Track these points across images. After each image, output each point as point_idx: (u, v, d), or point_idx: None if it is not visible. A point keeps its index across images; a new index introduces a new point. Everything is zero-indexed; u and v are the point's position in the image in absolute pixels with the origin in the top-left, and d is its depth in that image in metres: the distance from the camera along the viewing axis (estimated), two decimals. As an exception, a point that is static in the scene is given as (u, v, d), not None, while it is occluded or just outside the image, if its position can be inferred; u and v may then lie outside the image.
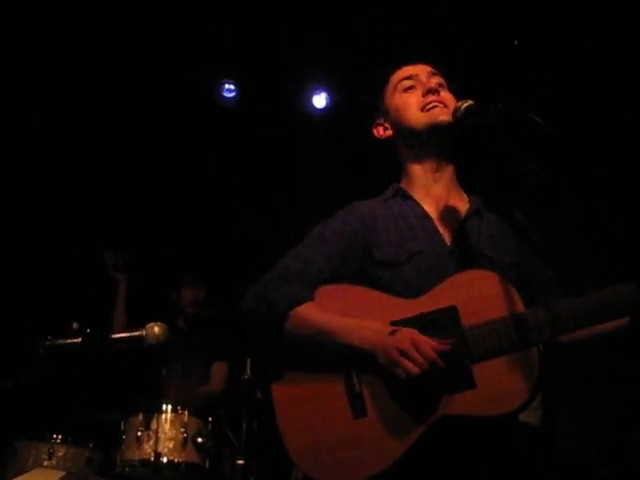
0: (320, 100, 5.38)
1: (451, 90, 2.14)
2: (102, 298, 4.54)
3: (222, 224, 5.24)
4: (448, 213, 2.03)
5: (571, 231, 4.95)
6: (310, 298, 1.90)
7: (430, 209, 2.04)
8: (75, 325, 2.12)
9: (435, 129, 2.04)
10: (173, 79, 4.98)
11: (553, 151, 1.86)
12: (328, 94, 5.37)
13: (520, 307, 1.79)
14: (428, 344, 1.71)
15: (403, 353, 1.71)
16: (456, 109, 1.99)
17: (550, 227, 4.76)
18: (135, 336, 2.15)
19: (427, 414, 1.73)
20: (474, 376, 1.73)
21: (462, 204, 2.08)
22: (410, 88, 2.11)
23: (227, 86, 5.28)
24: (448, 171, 2.10)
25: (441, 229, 2.00)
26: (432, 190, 2.07)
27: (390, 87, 2.16)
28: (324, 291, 1.92)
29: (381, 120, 2.17)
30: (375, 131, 2.19)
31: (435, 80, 2.11)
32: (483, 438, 1.79)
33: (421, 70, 2.14)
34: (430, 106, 2.05)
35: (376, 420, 1.78)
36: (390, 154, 2.17)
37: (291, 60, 5.00)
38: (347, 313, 1.87)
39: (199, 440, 3.74)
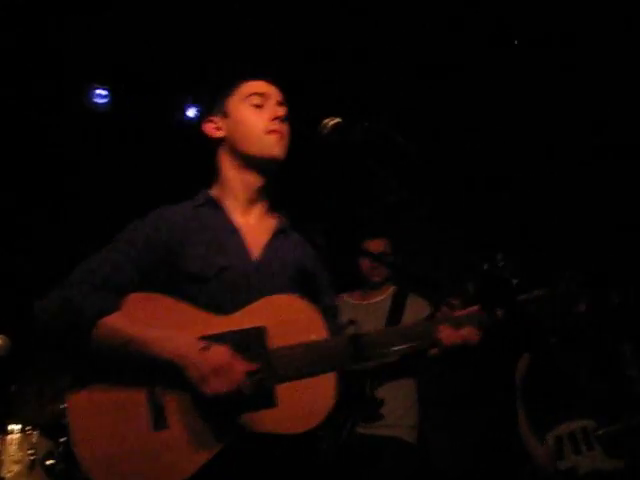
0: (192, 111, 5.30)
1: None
2: None
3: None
4: (257, 228, 2.04)
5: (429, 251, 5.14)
6: (119, 306, 1.83)
7: (240, 222, 2.02)
8: None
9: (268, 159, 2.01)
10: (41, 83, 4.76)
11: (415, 171, 1.88)
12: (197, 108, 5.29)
13: (324, 333, 1.87)
14: (238, 364, 1.74)
15: (214, 372, 1.72)
16: (323, 126, 2.00)
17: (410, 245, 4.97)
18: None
19: (228, 430, 1.77)
20: (276, 396, 1.80)
21: (271, 221, 2.08)
22: (259, 106, 2.04)
23: (99, 91, 5.09)
24: (264, 189, 2.07)
25: (249, 244, 1.99)
26: (244, 204, 2.05)
27: (238, 95, 2.07)
28: (133, 299, 1.86)
29: (217, 119, 2.08)
30: (206, 127, 2.09)
31: (283, 110, 2.05)
32: (283, 454, 1.84)
33: (273, 93, 2.08)
34: (275, 135, 2.01)
35: (176, 433, 1.78)
36: (210, 154, 2.09)
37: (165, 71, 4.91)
38: (156, 323, 1.82)
39: (48, 462, 3.53)
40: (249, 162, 2.03)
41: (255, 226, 2.03)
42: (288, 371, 1.81)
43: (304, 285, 2.00)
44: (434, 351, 1.96)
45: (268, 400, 1.78)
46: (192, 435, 1.77)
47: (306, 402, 1.80)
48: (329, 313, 2.01)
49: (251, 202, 2.06)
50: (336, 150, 1.97)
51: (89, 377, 1.83)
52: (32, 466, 3.48)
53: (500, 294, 2.11)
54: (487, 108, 4.97)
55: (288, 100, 2.09)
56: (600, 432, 3.58)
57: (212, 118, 2.08)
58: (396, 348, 1.92)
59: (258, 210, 2.07)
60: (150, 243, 1.93)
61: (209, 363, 1.72)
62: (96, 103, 5.06)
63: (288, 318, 1.86)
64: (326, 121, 1.99)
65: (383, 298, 3.97)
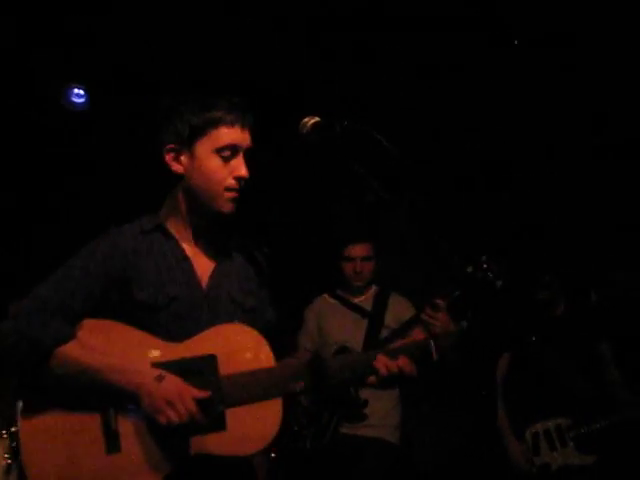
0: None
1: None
2: None
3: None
4: (204, 257, 2.07)
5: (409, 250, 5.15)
6: (74, 335, 1.88)
7: (189, 249, 2.05)
8: None
9: (217, 214, 2.02)
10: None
11: (398, 171, 1.86)
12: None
13: (271, 362, 1.96)
14: (190, 394, 1.83)
15: (168, 402, 1.80)
16: (302, 125, 1.98)
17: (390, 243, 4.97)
18: None
19: (180, 452, 1.86)
20: (226, 420, 1.89)
21: (217, 246, 2.11)
22: (228, 158, 1.98)
23: (76, 91, 5.03)
24: (213, 222, 2.08)
25: (198, 272, 2.04)
26: (193, 234, 2.07)
27: (210, 141, 1.98)
28: (86, 326, 1.91)
29: (181, 154, 2.01)
30: (167, 156, 2.02)
31: (245, 170, 2.00)
32: (232, 474, 1.96)
33: (244, 141, 2.01)
34: (231, 194, 1.99)
35: (130, 456, 1.86)
36: (166, 180, 2.06)
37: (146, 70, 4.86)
38: (110, 350, 1.89)
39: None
40: (200, 207, 2.03)
41: (202, 254, 2.07)
42: (237, 397, 1.90)
43: (248, 309, 2.09)
44: (372, 379, 2.05)
45: (218, 424, 1.88)
46: (144, 458, 1.85)
47: (254, 426, 1.90)
48: (270, 328, 2.10)
49: (199, 234, 2.07)
50: (316, 149, 1.95)
51: (42, 401, 1.87)
52: (8, 471, 3.41)
53: (483, 296, 2.15)
54: (484, 108, 4.95)
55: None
56: (573, 432, 3.75)
57: (175, 149, 2.01)
58: (338, 377, 2.01)
59: (205, 239, 2.08)
60: (102, 271, 1.95)
61: (163, 393, 1.80)
62: (73, 102, 5.00)
63: (237, 347, 1.95)
64: (305, 120, 1.98)
65: (365, 298, 3.97)
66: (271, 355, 1.97)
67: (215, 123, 1.97)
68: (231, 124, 1.98)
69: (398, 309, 3.81)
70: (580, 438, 3.73)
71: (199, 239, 2.07)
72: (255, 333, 1.98)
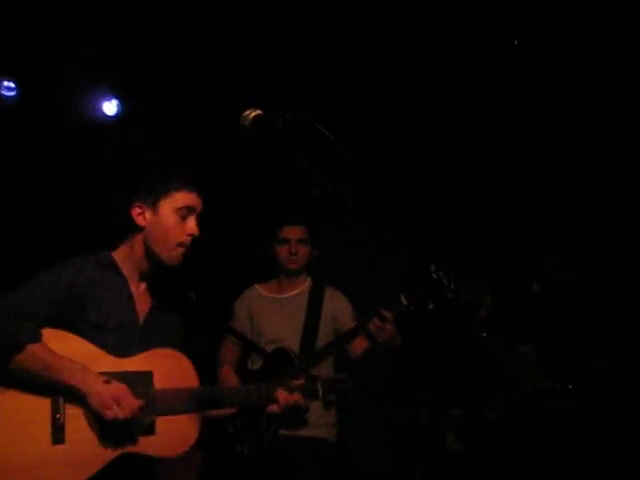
0: (111, 107, 5.12)
1: None
2: None
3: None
4: (143, 299, 2.51)
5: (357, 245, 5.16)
6: (41, 338, 2.20)
7: (134, 289, 2.48)
8: None
9: (166, 264, 2.46)
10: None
11: (341, 163, 1.84)
12: (120, 101, 5.12)
13: (195, 382, 2.46)
14: (133, 398, 2.21)
15: (115, 400, 2.17)
16: (243, 118, 1.94)
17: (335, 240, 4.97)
18: None
19: (114, 449, 2.21)
20: (155, 426, 2.31)
21: (149, 298, 2.54)
22: (184, 217, 2.44)
23: (6, 84, 4.86)
24: (156, 271, 2.52)
25: (138, 309, 2.47)
26: (139, 276, 2.51)
27: (172, 201, 2.44)
28: (47, 332, 2.23)
29: (145, 209, 2.45)
30: (133, 211, 2.45)
31: (196, 229, 2.45)
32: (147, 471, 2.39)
33: (199, 205, 2.48)
34: (182, 249, 2.45)
35: (71, 448, 2.16)
36: (127, 227, 2.46)
37: (80, 64, 4.73)
38: (65, 355, 2.21)
39: None
40: (153, 257, 2.46)
41: (142, 296, 2.51)
42: (165, 408, 2.32)
43: (169, 340, 2.51)
44: (273, 407, 2.58)
45: (150, 429, 2.28)
46: (84, 451, 2.17)
47: (177, 434, 2.35)
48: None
49: (140, 277, 2.51)
50: (258, 142, 1.91)
51: None
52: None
53: (435, 304, 2.37)
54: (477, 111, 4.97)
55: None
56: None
57: (141, 206, 2.45)
58: (242, 403, 2.58)
59: (146, 284, 2.53)
60: (67, 290, 2.31)
61: (111, 393, 2.18)
62: (3, 96, 4.84)
63: (170, 367, 2.40)
64: (247, 113, 1.94)
65: (300, 292, 3.76)
66: (195, 376, 2.46)
67: (177, 187, 2.44)
68: (189, 191, 2.45)
69: (334, 303, 3.69)
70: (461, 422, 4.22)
71: (142, 281, 2.51)
72: (184, 358, 2.46)
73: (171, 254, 2.43)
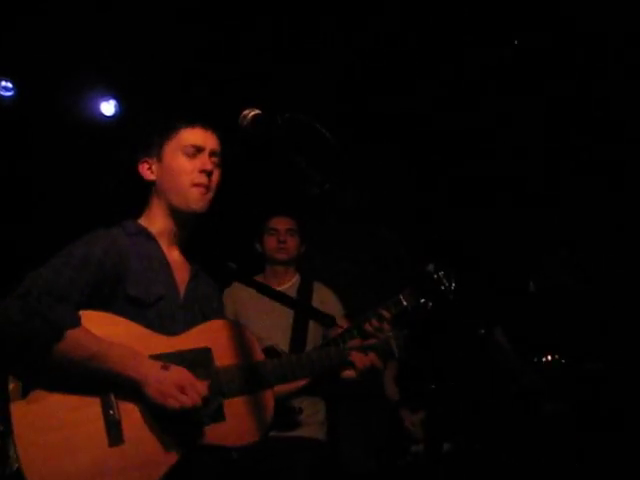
0: (109, 107, 5.11)
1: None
2: None
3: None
4: (180, 267, 2.20)
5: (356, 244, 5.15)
6: (80, 321, 1.86)
7: (169, 257, 2.17)
8: None
9: (187, 212, 2.16)
10: None
11: (340, 163, 1.83)
12: (118, 102, 5.11)
13: (260, 355, 2.14)
14: (198, 382, 1.89)
15: (179, 388, 1.84)
16: (242, 117, 1.94)
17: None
18: None
19: (181, 444, 1.88)
20: (225, 411, 1.96)
21: (187, 262, 2.24)
22: (192, 156, 2.14)
23: (4, 84, 4.86)
24: (187, 231, 2.23)
25: (177, 279, 2.16)
26: (169, 242, 2.19)
27: (175, 142, 2.17)
28: (87, 315, 1.88)
29: (151, 161, 2.19)
30: (140, 168, 2.20)
31: (213, 160, 2.17)
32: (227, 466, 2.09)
33: (209, 142, 2.17)
34: (198, 189, 2.13)
35: (133, 448, 1.82)
36: (143, 190, 2.20)
37: (78, 65, 4.72)
38: (111, 340, 1.88)
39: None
40: (172, 210, 2.16)
41: (179, 264, 2.19)
42: (232, 388, 1.99)
43: (212, 313, 2.22)
44: (349, 372, 2.26)
45: (218, 415, 1.93)
46: (148, 449, 1.83)
47: (249, 418, 1.99)
48: None
49: (173, 242, 2.20)
50: (257, 142, 1.90)
51: (36, 387, 1.80)
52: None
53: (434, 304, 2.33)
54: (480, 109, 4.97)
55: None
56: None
57: (147, 159, 2.19)
58: (315, 372, 2.21)
59: (178, 250, 2.22)
60: (100, 264, 1.98)
61: (173, 380, 1.85)
62: (1, 96, 4.83)
63: (229, 340, 2.06)
64: (245, 112, 1.94)
65: (287, 287, 3.68)
66: (258, 348, 2.13)
67: (178, 127, 2.17)
68: (192, 126, 2.17)
69: (323, 299, 3.65)
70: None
71: (173, 251, 2.20)
72: (243, 328, 2.14)
73: (188, 197, 2.11)
